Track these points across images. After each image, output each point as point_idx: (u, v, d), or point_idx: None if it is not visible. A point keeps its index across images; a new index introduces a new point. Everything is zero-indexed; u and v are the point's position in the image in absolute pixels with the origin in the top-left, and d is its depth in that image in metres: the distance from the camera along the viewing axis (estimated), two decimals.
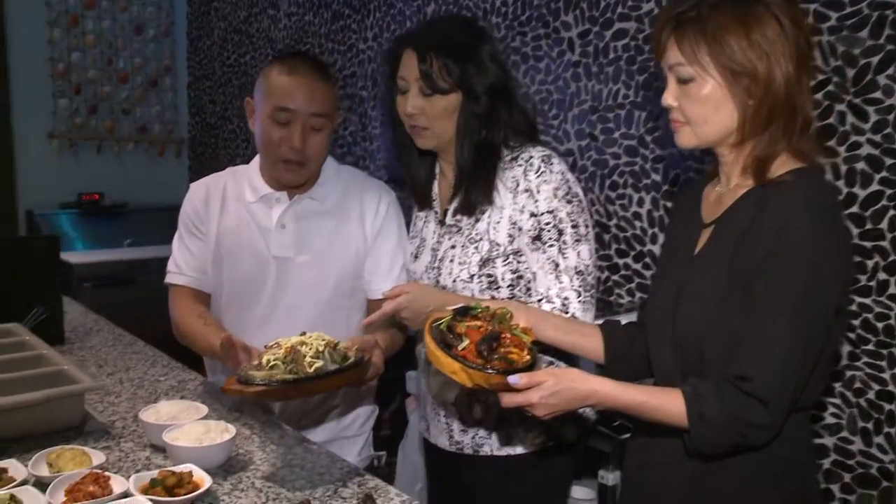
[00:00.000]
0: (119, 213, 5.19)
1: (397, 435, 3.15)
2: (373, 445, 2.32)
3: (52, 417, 1.80)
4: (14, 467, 1.60)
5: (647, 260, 2.85)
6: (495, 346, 1.57)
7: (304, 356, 1.63)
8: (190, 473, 1.58)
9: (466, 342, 1.58)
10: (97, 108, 5.39)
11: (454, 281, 1.97)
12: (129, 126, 5.55)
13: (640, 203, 2.87)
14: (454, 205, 2.03)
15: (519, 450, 2.02)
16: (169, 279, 2.17)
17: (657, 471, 1.65)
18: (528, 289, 1.97)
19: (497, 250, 1.95)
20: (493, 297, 1.96)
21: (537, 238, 1.92)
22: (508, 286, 1.95)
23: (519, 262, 1.95)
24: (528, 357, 1.59)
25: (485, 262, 1.95)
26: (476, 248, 1.97)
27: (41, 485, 1.54)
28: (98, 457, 1.66)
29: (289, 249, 2.10)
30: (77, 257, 4.58)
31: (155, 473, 1.57)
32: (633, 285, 2.91)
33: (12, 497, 1.47)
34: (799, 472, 1.58)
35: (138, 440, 1.81)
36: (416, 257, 2.11)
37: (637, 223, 2.88)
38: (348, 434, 2.21)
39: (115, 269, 4.53)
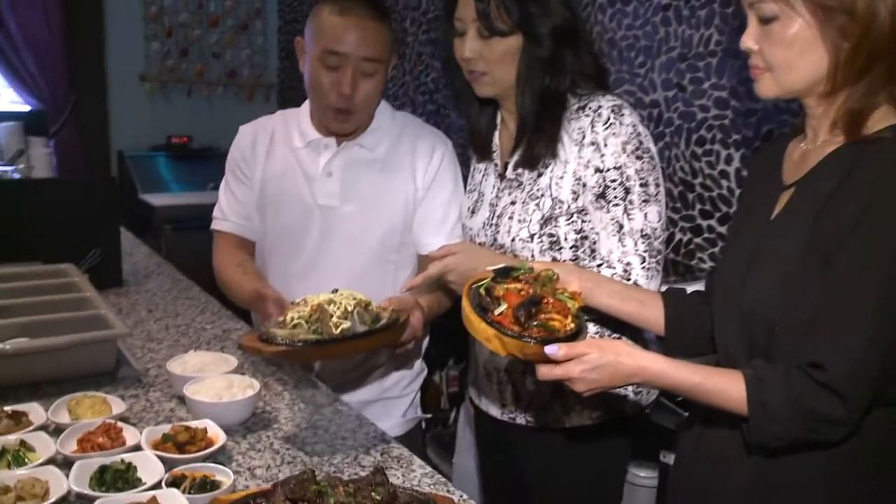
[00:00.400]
0: (206, 156, 5.22)
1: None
2: (420, 406, 2.21)
3: (82, 362, 1.76)
4: (35, 412, 1.56)
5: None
6: (535, 311, 1.41)
7: (331, 316, 1.52)
8: (204, 430, 1.51)
9: (504, 307, 1.44)
10: (188, 51, 5.42)
11: (513, 240, 1.82)
12: (219, 70, 5.57)
13: (729, 160, 2.61)
14: (515, 157, 1.87)
15: (575, 423, 1.87)
16: (213, 225, 2.10)
17: (713, 463, 1.47)
18: (594, 251, 1.80)
19: (560, 208, 1.78)
20: (554, 259, 1.79)
21: (601, 196, 1.74)
22: (572, 247, 1.79)
23: (583, 221, 1.78)
24: (571, 325, 1.43)
25: (546, 221, 1.79)
26: (537, 204, 1.81)
27: (59, 431, 1.50)
28: (118, 406, 1.61)
29: (334, 198, 1.99)
30: (160, 199, 4.64)
31: (168, 428, 1.50)
32: (715, 250, 2.67)
33: (23, 443, 1.43)
34: (885, 469, 1.36)
35: (167, 391, 1.76)
36: (474, 213, 1.96)
37: (724, 182, 2.63)
38: (392, 395, 2.10)
39: (195, 213, 4.54)
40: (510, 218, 1.85)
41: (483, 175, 1.99)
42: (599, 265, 1.77)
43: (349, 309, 1.55)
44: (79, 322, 1.86)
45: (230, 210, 2.08)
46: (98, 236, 2.46)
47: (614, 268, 1.75)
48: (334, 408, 1.75)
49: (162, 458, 1.42)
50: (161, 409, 1.67)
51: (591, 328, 1.87)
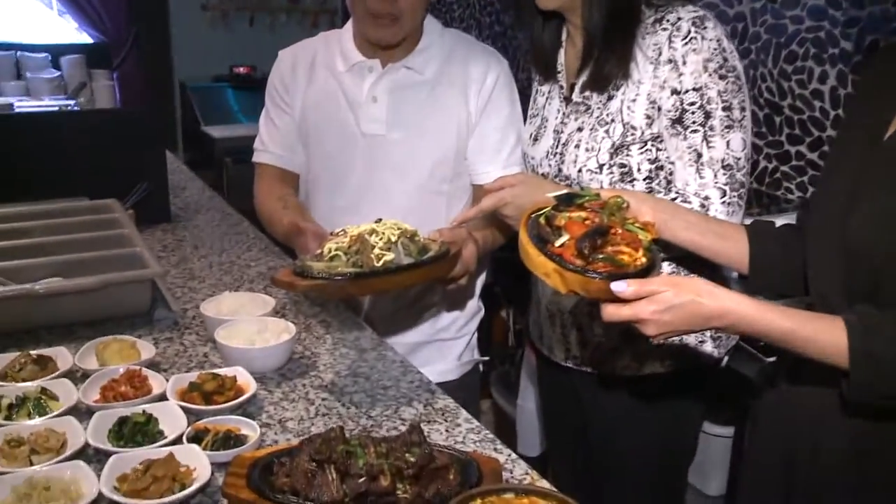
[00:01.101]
0: None
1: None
2: (478, 348, 2.07)
3: (115, 303, 1.68)
4: (62, 357, 1.48)
5: (826, 148, 2.34)
6: (600, 243, 1.24)
7: (373, 247, 1.38)
8: (234, 378, 1.41)
9: (565, 238, 1.27)
10: None
11: (580, 171, 1.64)
12: None
13: (823, 78, 2.33)
14: (582, 79, 1.67)
15: (646, 372, 1.70)
16: (254, 157, 1.97)
17: (802, 423, 1.29)
18: (670, 182, 1.60)
19: (632, 135, 1.58)
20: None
21: (678, 121, 1.54)
22: (645, 179, 1.60)
23: (659, 149, 1.59)
24: (642, 260, 1.26)
25: (617, 149, 1.60)
26: (607, 131, 1.61)
27: (86, 377, 1.41)
28: (147, 350, 1.52)
29: (380, 125, 1.83)
30: (222, 131, 4.56)
31: (195, 376, 1.40)
32: (805, 178, 2.41)
33: (45, 390, 1.35)
34: None
35: (203, 334, 1.66)
36: (536, 140, 1.77)
37: (816, 103, 2.35)
38: (446, 336, 1.97)
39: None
40: (577, 146, 1.66)
41: (547, 98, 1.79)
42: (674, 199, 1.58)
43: (393, 239, 1.41)
44: (114, 261, 1.77)
45: (271, 141, 1.94)
46: (145, 170, 2.37)
47: (690, 202, 1.56)
48: (378, 353, 1.62)
49: (186, 410, 1.32)
50: (194, 354, 1.58)
51: (665, 267, 1.68)
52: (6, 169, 2.20)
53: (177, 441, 1.24)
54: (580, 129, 1.67)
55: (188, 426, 1.27)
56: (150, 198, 2.36)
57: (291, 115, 1.91)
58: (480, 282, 2.01)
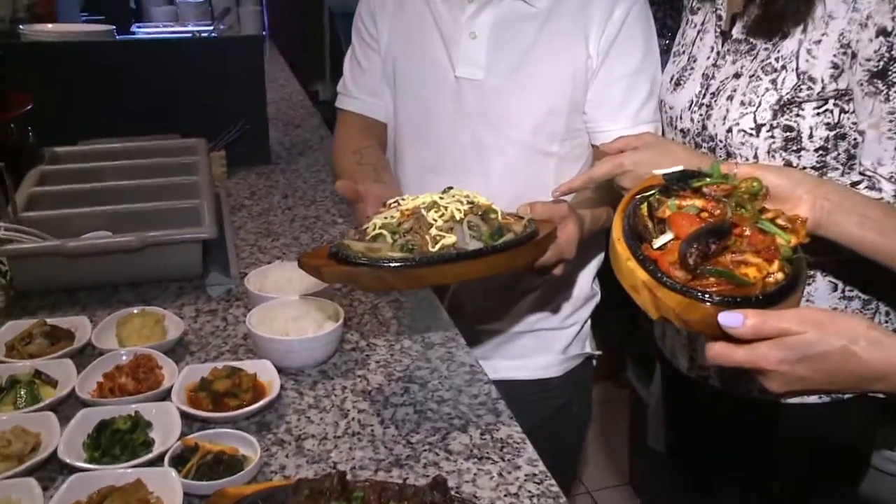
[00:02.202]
0: None
1: None
2: (592, 340, 1.73)
3: (160, 265, 1.47)
4: (82, 329, 1.29)
5: None
6: (715, 248, 0.87)
7: (430, 225, 1.07)
8: (253, 377, 1.16)
9: (668, 237, 0.91)
10: None
11: (729, 130, 1.24)
12: None
13: None
14: (751, 10, 1.26)
15: (794, 399, 1.31)
16: (336, 102, 1.69)
17: None
18: (852, 158, 1.19)
19: (809, 88, 1.18)
20: (788, 165, 1.21)
21: (880, 74, 1.13)
22: (818, 150, 1.19)
23: (844, 111, 1.18)
24: (776, 277, 0.89)
25: (785, 106, 1.19)
26: (773, 81, 1.21)
27: (101, 354, 1.22)
28: (175, 328, 1.30)
29: (477, 69, 1.48)
30: None
31: (207, 371, 1.16)
32: None
33: (38, 373, 1.16)
34: None
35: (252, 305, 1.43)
36: (679, 85, 1.38)
37: None
38: (549, 326, 1.63)
39: None
40: (730, 98, 1.26)
41: (699, 32, 1.39)
42: (858, 182, 1.16)
43: (458, 216, 1.09)
44: (173, 214, 1.57)
45: (354, 84, 1.64)
46: (243, 106, 2.16)
47: (881, 188, 1.14)
48: (447, 350, 1.32)
49: (186, 414, 1.09)
50: (232, 335, 1.35)
51: (820, 283, 1.27)
52: (101, 101, 2.05)
53: (158, 459, 1.01)
54: (737, 76, 1.27)
55: (179, 439, 1.04)
56: (248, 137, 2.15)
57: (378, 52, 1.60)
58: (597, 261, 1.65)
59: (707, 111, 1.31)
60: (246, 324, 1.25)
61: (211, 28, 3.72)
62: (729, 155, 1.27)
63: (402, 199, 1.15)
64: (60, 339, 1.26)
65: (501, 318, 1.60)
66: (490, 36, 1.47)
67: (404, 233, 1.08)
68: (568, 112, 1.48)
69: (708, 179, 0.98)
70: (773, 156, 1.22)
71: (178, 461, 1.00)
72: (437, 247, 1.05)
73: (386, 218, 1.11)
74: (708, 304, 0.85)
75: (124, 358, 1.18)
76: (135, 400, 1.11)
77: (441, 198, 1.14)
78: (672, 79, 1.41)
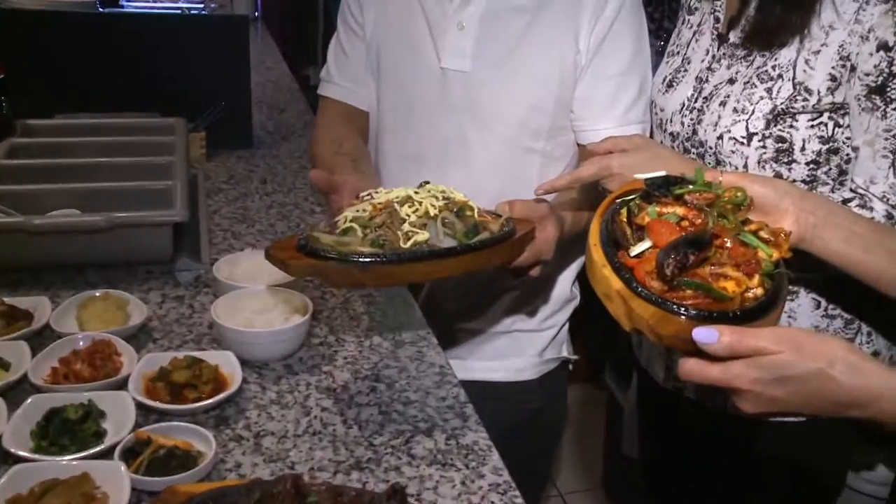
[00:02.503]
0: None
1: None
2: (569, 344, 1.69)
3: (128, 247, 1.43)
4: (41, 309, 1.25)
5: None
6: (693, 258, 0.84)
7: (403, 221, 1.03)
8: (216, 369, 1.12)
9: (646, 245, 0.88)
10: None
11: (720, 137, 1.21)
12: None
13: None
14: (747, 14, 1.24)
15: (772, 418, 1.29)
16: (319, 89, 1.64)
17: None
18: (843, 174, 1.16)
19: (804, 100, 1.15)
20: (778, 177, 1.17)
21: (879, 90, 1.11)
22: (809, 163, 1.17)
23: (839, 125, 1.15)
24: (756, 292, 0.86)
25: (778, 116, 1.16)
26: (769, 90, 1.18)
27: (60, 337, 1.18)
28: (139, 314, 1.26)
29: (464, 60, 1.44)
30: None
31: (167, 360, 1.12)
32: None
33: None
34: None
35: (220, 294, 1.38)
36: (671, 86, 1.35)
37: None
38: (525, 327, 1.59)
39: None
40: (722, 104, 1.23)
41: (695, 33, 1.36)
42: (849, 200, 1.14)
43: (432, 212, 1.05)
44: (145, 195, 1.53)
45: (337, 71, 1.60)
46: (226, 87, 2.11)
47: (873, 207, 1.11)
48: (417, 349, 1.29)
49: (141, 405, 1.05)
50: (198, 322, 1.30)
51: (803, 299, 1.24)
52: (80, 75, 2.00)
53: (109, 451, 0.97)
54: (732, 82, 1.24)
55: (132, 431, 1.00)
56: (228, 120, 2.10)
57: (363, 38, 1.56)
58: (577, 264, 1.61)
59: (698, 116, 1.27)
60: (211, 313, 1.21)
61: (202, 6, 3.66)
62: (718, 163, 1.24)
63: (376, 193, 1.11)
64: (18, 320, 1.21)
65: (478, 318, 1.57)
66: (478, 27, 1.43)
67: (375, 227, 1.04)
68: (554, 108, 1.44)
69: (691, 187, 0.94)
70: (763, 166, 1.19)
71: (129, 455, 0.96)
72: (409, 243, 1.02)
73: (357, 211, 1.07)
74: (683, 317, 0.81)
75: (81, 343, 1.14)
76: (89, 388, 1.07)
77: (416, 192, 1.10)
78: (664, 80, 1.38)
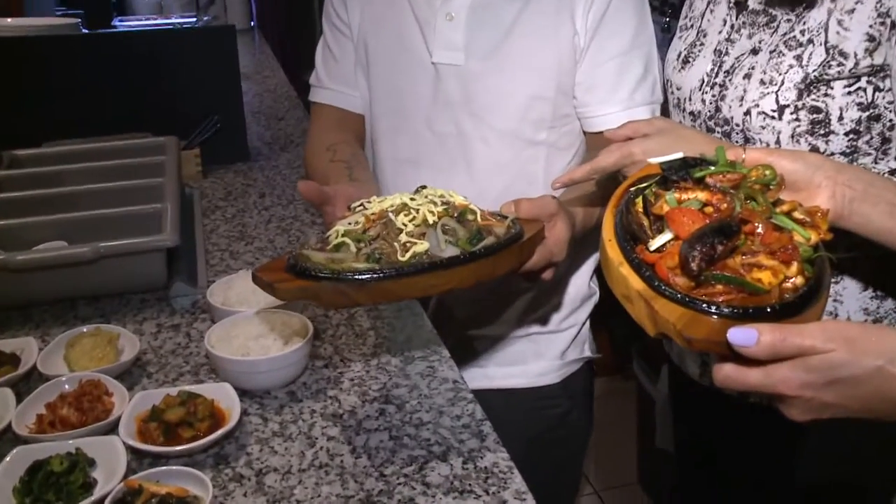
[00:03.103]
0: None
1: None
2: (591, 343, 1.61)
3: (119, 276, 1.36)
4: (28, 351, 1.18)
5: None
6: (721, 249, 0.75)
7: (400, 231, 0.95)
8: (212, 404, 1.04)
9: (667, 237, 0.79)
10: None
11: (747, 112, 1.12)
12: None
13: None
14: None
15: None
16: (310, 95, 1.56)
17: None
18: (887, 141, 1.06)
19: (839, 65, 1.05)
20: (814, 150, 1.08)
21: None
22: (848, 133, 1.07)
23: (879, 89, 1.06)
24: (796, 280, 0.77)
25: (811, 85, 1.07)
26: (798, 57, 1.08)
27: (48, 378, 1.11)
28: (131, 348, 1.19)
29: (456, 53, 1.36)
30: None
31: (161, 397, 1.05)
32: None
33: None
34: None
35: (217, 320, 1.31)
36: (687, 63, 1.26)
37: None
38: (544, 329, 1.51)
39: None
40: (747, 76, 1.14)
41: (709, 3, 1.27)
42: (894, 171, 1.04)
43: (430, 219, 0.97)
44: (135, 221, 1.45)
45: (327, 74, 1.52)
46: (217, 101, 2.04)
47: None
48: (428, 364, 1.20)
49: (133, 449, 0.98)
50: (196, 352, 1.23)
51: (848, 280, 1.15)
52: (68, 100, 1.94)
53: None
54: (755, 52, 1.15)
55: (124, 479, 0.93)
56: (223, 134, 2.03)
57: (351, 39, 1.48)
58: (595, 258, 1.53)
59: (721, 91, 1.18)
60: (205, 342, 1.13)
61: (195, 20, 3.60)
62: (747, 140, 1.14)
63: (368, 202, 1.03)
64: (3, 364, 1.14)
65: (492, 323, 1.49)
66: (468, 16, 1.35)
67: (370, 240, 0.96)
68: (555, 96, 1.36)
69: (712, 168, 0.85)
70: (797, 140, 1.10)
71: None
72: (408, 255, 0.93)
73: (350, 224, 0.99)
74: (714, 317, 0.72)
75: (67, 386, 1.07)
76: (77, 434, 1.00)
77: (412, 199, 1.01)
78: (679, 56, 1.28)
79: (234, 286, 1.28)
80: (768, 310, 0.72)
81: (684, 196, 0.83)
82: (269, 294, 0.95)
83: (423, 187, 1.07)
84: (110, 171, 1.67)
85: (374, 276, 0.90)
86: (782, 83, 1.09)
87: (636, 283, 0.77)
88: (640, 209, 0.86)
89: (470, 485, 0.96)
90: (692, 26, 1.29)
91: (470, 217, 1.01)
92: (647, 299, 0.75)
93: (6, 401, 1.06)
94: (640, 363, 2.60)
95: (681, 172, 0.86)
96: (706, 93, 1.21)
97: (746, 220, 0.79)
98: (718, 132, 1.18)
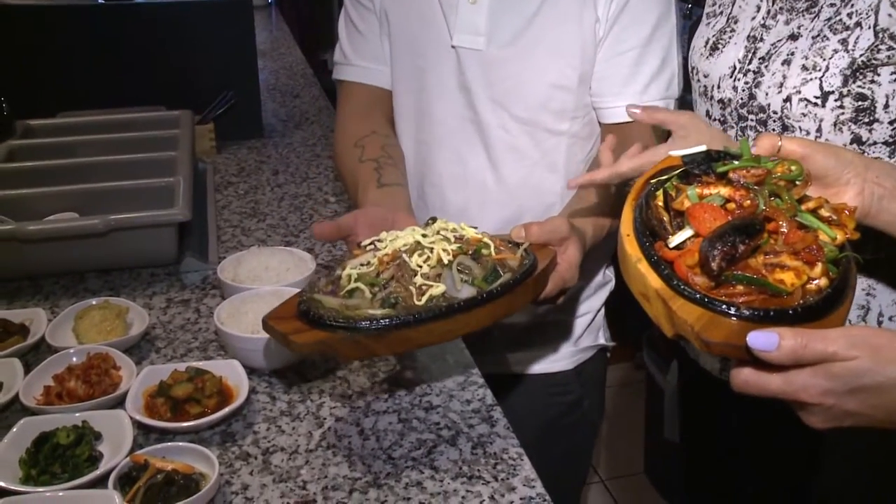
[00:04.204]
0: None
1: None
2: (606, 330, 1.59)
3: (130, 250, 1.35)
4: (38, 322, 1.18)
5: None
6: (743, 248, 0.72)
7: (415, 273, 0.92)
8: (220, 381, 1.03)
9: (687, 234, 0.77)
10: None
11: (786, 99, 1.07)
12: None
13: None
14: None
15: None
16: (335, 73, 1.53)
17: None
18: None
19: (889, 49, 1.00)
20: (857, 142, 1.04)
21: None
22: (893, 122, 1.02)
23: None
24: (821, 282, 0.74)
25: (858, 71, 1.01)
26: (844, 41, 1.03)
27: (56, 350, 1.10)
28: (140, 322, 1.18)
29: (477, 37, 1.33)
30: None
31: (168, 373, 1.04)
32: None
33: None
34: None
35: (227, 296, 1.30)
36: (715, 49, 1.21)
37: None
38: (558, 316, 1.49)
39: None
40: (786, 62, 1.08)
41: None
42: None
43: (445, 259, 0.94)
44: (147, 194, 1.44)
45: (353, 50, 1.48)
46: (232, 76, 2.02)
47: None
48: (439, 347, 1.18)
49: (140, 424, 0.97)
50: (205, 328, 1.22)
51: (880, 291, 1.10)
52: (83, 71, 1.93)
53: (104, 477, 0.89)
54: (794, 37, 1.09)
55: (130, 453, 0.92)
56: (237, 109, 2.02)
57: (375, 13, 1.45)
58: (609, 246, 1.50)
59: (755, 78, 1.13)
60: (214, 319, 1.12)
61: None
62: (785, 128, 1.09)
63: (380, 241, 0.99)
64: (12, 335, 1.14)
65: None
66: (491, 1, 1.31)
67: (384, 283, 0.92)
68: (578, 85, 1.33)
69: (736, 163, 0.83)
70: (839, 128, 1.04)
71: (126, 481, 0.88)
72: (424, 299, 0.90)
73: (362, 265, 0.95)
74: (734, 319, 0.70)
75: (75, 358, 1.06)
76: (84, 407, 0.99)
77: (424, 235, 0.98)
78: (707, 43, 1.23)
79: (245, 262, 1.27)
80: (790, 312, 0.70)
81: (706, 191, 0.81)
82: (283, 345, 0.91)
83: (434, 220, 1.04)
84: (124, 144, 1.66)
85: (392, 323, 0.87)
86: (827, 69, 1.04)
87: (654, 281, 0.75)
88: (661, 203, 0.83)
89: (479, 470, 0.94)
90: (721, 13, 1.25)
91: (484, 252, 0.98)
92: (665, 299, 0.73)
93: (14, 371, 1.05)
94: (651, 354, 2.57)
95: (703, 166, 0.83)
96: (738, 80, 1.16)
97: (770, 217, 0.76)
98: (752, 120, 1.14)
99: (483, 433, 1.01)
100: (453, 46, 1.34)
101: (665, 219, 0.79)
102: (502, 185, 1.38)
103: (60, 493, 0.85)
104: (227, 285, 1.22)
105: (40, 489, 0.86)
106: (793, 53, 1.08)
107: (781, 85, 1.08)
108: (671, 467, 2.40)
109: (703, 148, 0.85)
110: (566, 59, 1.31)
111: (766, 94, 1.10)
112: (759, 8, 1.17)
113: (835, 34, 1.04)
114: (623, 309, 1.91)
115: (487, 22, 1.31)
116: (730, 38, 1.20)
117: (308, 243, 1.48)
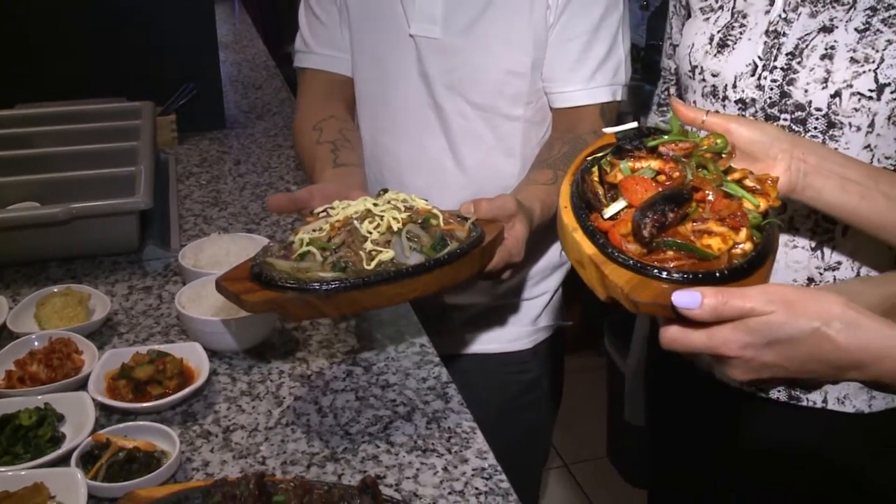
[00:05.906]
0: None
1: None
2: (564, 310, 1.63)
3: (92, 238, 1.36)
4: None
5: None
6: (673, 216, 0.77)
7: (365, 239, 0.96)
8: (181, 363, 1.06)
9: (620, 205, 0.81)
10: None
11: (835, 95, 1.05)
12: None
13: None
14: None
15: (832, 407, 1.16)
16: (295, 61, 1.55)
17: None
18: None
19: None
20: None
21: None
22: None
23: None
24: (745, 246, 0.79)
25: None
26: None
27: (17, 336, 1.12)
28: (102, 308, 1.20)
29: (433, 25, 1.36)
30: None
31: (130, 355, 1.06)
32: None
33: None
34: None
35: (188, 282, 1.32)
36: (723, 47, 1.15)
37: None
38: (515, 298, 1.53)
39: None
40: (826, 56, 1.05)
41: None
42: None
43: (395, 227, 0.97)
44: (108, 183, 1.46)
45: (314, 37, 1.50)
46: (194, 67, 2.03)
47: None
48: (398, 328, 1.22)
49: (101, 405, 0.99)
50: (167, 313, 1.24)
51: (801, 254, 1.12)
52: (44, 61, 1.92)
53: (67, 457, 0.91)
54: (827, 30, 1.06)
55: (92, 433, 0.94)
56: (199, 100, 2.03)
57: (335, 2, 1.47)
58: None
59: (786, 75, 1.08)
60: (175, 303, 1.15)
61: None
62: (831, 125, 1.06)
63: (332, 208, 1.03)
64: None
65: (465, 291, 1.50)
66: None
67: (335, 248, 0.95)
68: (531, 71, 1.36)
69: (665, 137, 0.87)
70: (894, 123, 1.04)
71: (88, 460, 0.90)
72: (374, 263, 0.93)
73: (314, 231, 0.98)
74: (665, 282, 0.75)
75: (37, 343, 1.08)
76: (46, 390, 1.01)
77: (375, 205, 1.01)
78: (711, 40, 1.17)
79: (206, 249, 1.29)
80: (716, 274, 0.74)
81: (638, 165, 0.85)
82: (235, 304, 0.94)
83: (385, 191, 1.07)
84: (84, 134, 1.67)
85: (342, 285, 0.90)
86: (882, 60, 1.01)
87: (588, 248, 0.79)
88: (596, 178, 0.87)
89: (433, 444, 0.98)
90: (721, 7, 1.19)
91: (433, 222, 1.01)
92: (598, 264, 0.77)
93: None
94: (611, 338, 2.63)
95: (634, 141, 0.87)
96: (764, 78, 1.10)
97: (697, 187, 0.81)
98: (786, 118, 1.09)
99: (438, 409, 1.04)
100: (411, 35, 1.37)
101: (600, 192, 0.84)
102: (461, 169, 1.41)
103: (23, 472, 0.87)
104: (188, 271, 1.24)
105: (2, 469, 0.88)
106: (833, 47, 1.05)
107: (826, 80, 1.04)
108: (634, 450, 2.46)
109: (634, 125, 0.90)
110: (519, 46, 1.34)
111: (806, 92, 1.06)
112: (772, 2, 1.12)
113: (888, 25, 1.02)
114: (582, 294, 1.96)
115: (443, 10, 1.35)
116: (741, 33, 1.14)
117: (269, 230, 1.51)
